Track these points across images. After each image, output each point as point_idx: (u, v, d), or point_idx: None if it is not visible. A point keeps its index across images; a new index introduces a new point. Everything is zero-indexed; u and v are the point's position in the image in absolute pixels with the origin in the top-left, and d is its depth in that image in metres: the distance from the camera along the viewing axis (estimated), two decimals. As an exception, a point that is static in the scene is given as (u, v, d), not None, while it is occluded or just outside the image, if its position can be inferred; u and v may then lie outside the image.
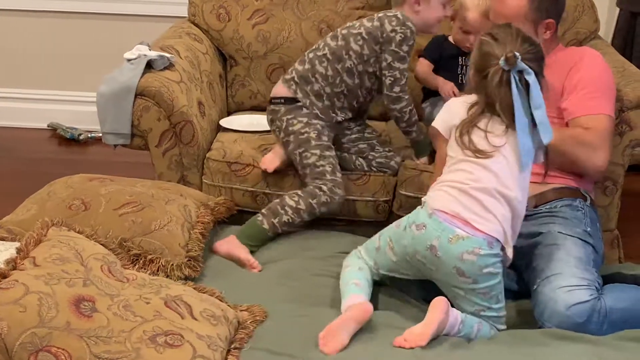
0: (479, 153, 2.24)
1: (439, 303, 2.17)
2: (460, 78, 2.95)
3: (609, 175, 2.83)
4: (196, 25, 3.40)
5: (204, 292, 2.18)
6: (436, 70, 3.01)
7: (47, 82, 4.44)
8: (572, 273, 2.29)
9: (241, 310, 2.20)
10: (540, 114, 2.22)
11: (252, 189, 2.89)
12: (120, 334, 1.86)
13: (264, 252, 2.58)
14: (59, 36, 4.35)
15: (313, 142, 2.74)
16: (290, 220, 2.68)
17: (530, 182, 2.55)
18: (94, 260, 2.04)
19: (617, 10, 4.13)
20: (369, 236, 2.87)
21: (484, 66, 2.24)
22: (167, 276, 2.28)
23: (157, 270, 2.30)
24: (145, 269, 2.29)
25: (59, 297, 1.87)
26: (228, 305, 2.17)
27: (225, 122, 3.17)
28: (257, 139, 3.04)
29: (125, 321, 1.89)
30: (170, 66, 2.93)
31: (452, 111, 2.34)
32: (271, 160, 2.82)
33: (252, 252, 2.59)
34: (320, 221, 2.93)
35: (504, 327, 2.25)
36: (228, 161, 2.90)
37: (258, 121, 3.21)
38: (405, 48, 2.75)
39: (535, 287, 2.32)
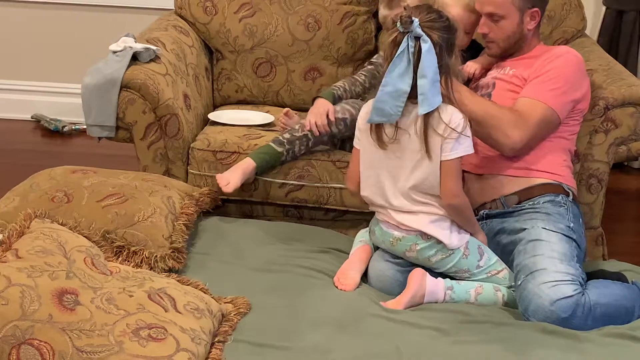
0: (380, 142, 2.31)
1: (414, 273, 2.35)
2: None
3: (594, 172, 2.85)
4: (182, 17, 3.38)
5: (187, 285, 2.17)
6: None
7: (31, 74, 4.41)
8: (556, 268, 2.30)
9: (225, 303, 2.19)
10: (423, 83, 2.22)
11: (238, 177, 2.88)
12: (103, 327, 1.85)
13: (249, 244, 2.56)
14: (44, 27, 4.33)
15: None
16: (292, 128, 2.81)
17: (512, 176, 2.59)
18: (77, 252, 2.03)
19: (604, 8, 4.14)
20: (355, 229, 2.90)
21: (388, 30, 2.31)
22: (151, 268, 2.28)
23: (141, 262, 2.29)
24: (128, 261, 2.29)
25: (42, 289, 1.85)
26: (212, 298, 2.16)
27: (214, 115, 3.16)
28: (242, 129, 3.04)
29: (109, 314, 1.88)
30: (156, 58, 2.92)
31: (361, 116, 2.41)
32: (228, 179, 2.75)
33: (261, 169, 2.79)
34: (308, 213, 2.94)
35: (507, 283, 2.39)
36: (213, 150, 2.90)
37: (247, 116, 3.20)
38: None
39: (519, 282, 2.33)
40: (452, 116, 2.26)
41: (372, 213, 2.81)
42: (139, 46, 2.87)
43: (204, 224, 2.65)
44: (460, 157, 2.29)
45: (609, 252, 3.26)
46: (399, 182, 2.33)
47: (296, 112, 3.30)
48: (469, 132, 2.29)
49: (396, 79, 2.23)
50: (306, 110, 3.29)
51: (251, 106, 3.36)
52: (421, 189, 2.31)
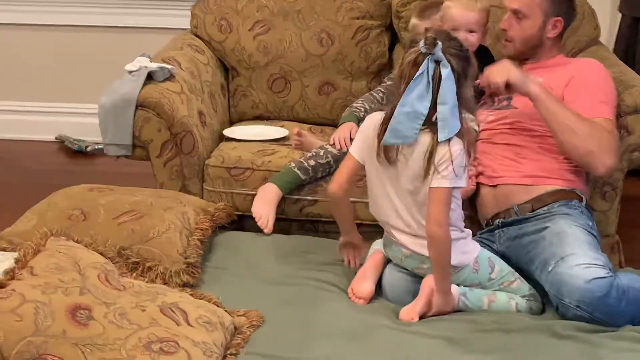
0: (385, 162, 2.29)
1: (427, 279, 2.33)
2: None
3: (608, 180, 2.84)
4: (198, 36, 3.43)
5: (201, 299, 2.20)
6: None
7: (54, 95, 4.50)
8: (586, 253, 2.32)
9: (238, 316, 2.22)
10: (443, 110, 2.20)
11: (252, 192, 2.90)
12: (115, 341, 1.88)
13: (263, 258, 2.59)
14: (65, 49, 4.42)
15: None
16: (315, 154, 2.83)
17: (525, 185, 2.60)
18: (92, 269, 2.07)
19: (619, 15, 4.14)
20: (369, 241, 2.91)
21: (407, 48, 2.27)
22: (165, 283, 2.31)
23: (156, 278, 2.32)
24: (143, 276, 2.32)
25: (55, 305, 1.89)
26: (225, 311, 2.19)
27: (228, 132, 3.20)
28: (256, 145, 3.08)
29: (121, 329, 1.92)
30: (170, 77, 2.97)
31: (367, 127, 2.37)
32: (266, 214, 2.78)
33: (285, 194, 2.83)
34: (323, 227, 2.96)
35: (524, 292, 2.40)
36: (227, 166, 2.94)
37: (262, 131, 3.24)
38: None
39: (550, 269, 2.33)
40: (453, 146, 2.24)
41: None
42: (154, 65, 2.92)
43: (219, 239, 2.69)
44: (451, 187, 2.25)
45: (626, 259, 3.26)
46: (399, 205, 2.34)
47: (311, 125, 3.37)
48: (463, 164, 2.26)
49: (415, 101, 2.21)
50: (321, 124, 3.37)
51: (267, 122, 3.39)
52: (421, 214, 2.31)
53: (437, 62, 2.19)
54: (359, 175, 2.90)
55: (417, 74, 2.19)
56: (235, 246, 2.65)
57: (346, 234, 2.51)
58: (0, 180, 4.04)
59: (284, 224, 2.93)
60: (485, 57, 2.95)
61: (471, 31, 2.86)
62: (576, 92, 2.65)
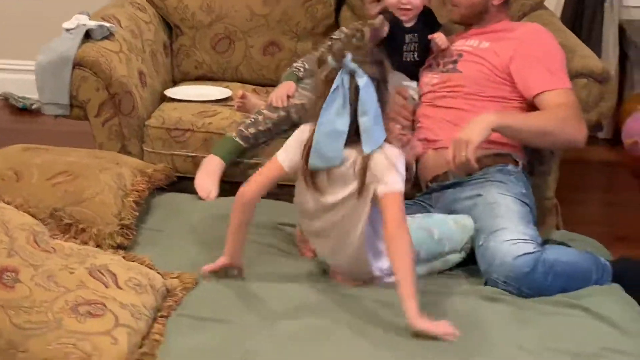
0: (314, 185, 2.16)
1: None
2: (404, 56, 2.90)
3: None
4: (141, -7, 3.37)
5: (133, 261, 2.18)
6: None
7: (-1, 51, 4.41)
8: (516, 228, 2.33)
9: (171, 278, 2.20)
10: (365, 121, 2.08)
11: (193, 154, 2.90)
12: (42, 304, 1.86)
13: (202, 220, 2.57)
14: (8, 4, 4.30)
15: None
16: (254, 120, 2.79)
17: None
18: (20, 230, 2.04)
19: (567, -19, 4.14)
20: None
21: (317, 69, 2.16)
22: (98, 245, 2.29)
23: (89, 240, 2.30)
24: (77, 238, 2.29)
25: (-19, 267, 1.87)
26: (158, 273, 2.18)
27: (170, 92, 3.17)
28: (198, 106, 3.04)
29: (48, 291, 1.89)
30: (109, 36, 2.92)
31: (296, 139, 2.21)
32: (207, 186, 2.75)
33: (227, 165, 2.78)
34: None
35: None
36: (167, 127, 2.91)
37: (205, 92, 3.21)
38: None
39: (480, 242, 2.35)
40: (389, 150, 2.13)
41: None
42: (92, 23, 2.87)
43: (158, 201, 2.66)
44: (402, 191, 2.13)
45: (571, 221, 3.29)
46: (320, 219, 2.22)
47: (255, 86, 3.34)
48: (404, 167, 2.16)
49: (333, 119, 2.08)
50: (265, 85, 3.34)
51: (211, 82, 3.35)
52: (342, 228, 2.18)
53: (352, 74, 2.07)
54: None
55: (332, 89, 2.07)
56: (174, 208, 2.63)
57: (230, 256, 2.23)
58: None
59: (228, 186, 2.89)
60: (429, 19, 2.95)
61: None
62: (528, 66, 2.65)
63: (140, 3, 3.30)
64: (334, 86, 2.07)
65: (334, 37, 3.08)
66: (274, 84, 3.29)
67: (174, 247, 2.41)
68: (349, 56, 2.06)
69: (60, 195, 2.37)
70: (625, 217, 3.46)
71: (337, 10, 3.42)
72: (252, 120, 2.83)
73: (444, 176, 2.65)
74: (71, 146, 2.79)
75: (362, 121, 2.09)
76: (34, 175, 2.42)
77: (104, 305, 1.90)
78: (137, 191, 2.51)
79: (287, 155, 2.21)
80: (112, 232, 2.34)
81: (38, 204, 2.34)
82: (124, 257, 2.19)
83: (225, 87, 3.27)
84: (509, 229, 2.31)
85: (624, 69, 4.22)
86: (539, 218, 2.83)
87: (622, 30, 4.13)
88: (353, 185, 2.13)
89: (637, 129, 3.80)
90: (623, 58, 4.17)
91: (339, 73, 2.07)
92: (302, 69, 2.93)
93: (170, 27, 3.40)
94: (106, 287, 1.97)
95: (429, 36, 2.82)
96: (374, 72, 2.10)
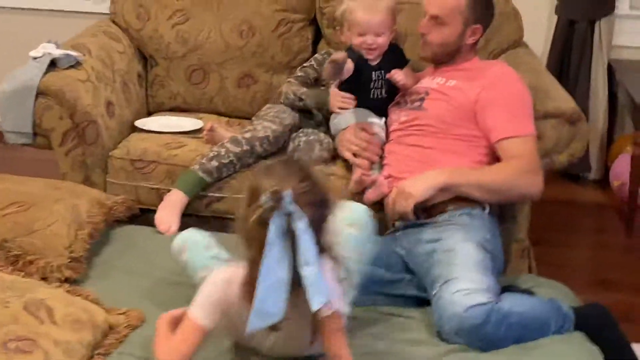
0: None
1: None
2: (372, 93, 2.87)
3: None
4: (116, 23, 3.35)
5: (77, 295, 2.13)
6: (350, 84, 2.86)
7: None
8: (470, 277, 2.26)
9: (118, 314, 2.15)
10: (310, 273, 1.78)
11: (156, 186, 2.85)
12: (-28, 339, 1.81)
13: (159, 254, 2.51)
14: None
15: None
16: (217, 154, 2.74)
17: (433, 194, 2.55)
18: (-41, 262, 1.99)
19: (556, 18, 4.10)
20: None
21: (248, 204, 1.84)
22: (45, 278, 2.23)
23: (36, 272, 2.24)
24: (24, 270, 2.24)
25: None
26: (102, 309, 2.12)
27: (140, 123, 3.12)
28: (166, 137, 3.00)
29: (-20, 326, 1.84)
30: (77, 65, 2.89)
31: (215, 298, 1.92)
32: (168, 220, 2.70)
33: (191, 200, 2.74)
34: (231, 223, 2.89)
35: None
36: (131, 158, 2.87)
37: (176, 122, 3.17)
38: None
39: (434, 292, 2.29)
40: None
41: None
42: (58, 52, 2.84)
43: (117, 233, 2.61)
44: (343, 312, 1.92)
45: (553, 263, 3.24)
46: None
47: (229, 118, 3.30)
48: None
49: (274, 267, 1.78)
50: (240, 117, 3.30)
51: (185, 113, 3.31)
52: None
53: (289, 214, 1.77)
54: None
55: (269, 235, 1.76)
56: (131, 241, 2.58)
57: None
58: None
59: (191, 220, 2.84)
60: (396, 55, 2.92)
61: (378, 33, 2.81)
62: (490, 110, 2.60)
63: (115, 33, 3.28)
64: (270, 231, 1.76)
65: (305, 65, 3.06)
66: (248, 116, 3.27)
67: (125, 282, 2.36)
68: (287, 196, 1.76)
69: (10, 226, 2.32)
70: (609, 261, 3.40)
71: (315, 43, 3.38)
72: (215, 153, 2.78)
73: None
74: (38, 174, 2.75)
75: (306, 272, 1.78)
76: (-14, 205, 2.37)
77: (35, 341, 1.84)
78: (92, 223, 2.46)
79: (206, 315, 1.90)
80: (60, 264, 2.28)
81: (-13, 234, 2.29)
82: (68, 291, 2.13)
83: (200, 118, 3.23)
84: (462, 279, 2.23)
85: (615, 110, 4.17)
86: (509, 262, 2.79)
87: (611, 70, 4.08)
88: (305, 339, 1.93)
89: (625, 171, 3.74)
90: (612, 98, 4.11)
91: (275, 215, 1.77)
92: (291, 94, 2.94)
93: (145, 58, 3.37)
94: (41, 323, 1.91)
95: (387, 75, 2.78)
96: (315, 213, 1.81)
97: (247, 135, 2.80)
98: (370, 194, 2.72)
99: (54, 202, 2.44)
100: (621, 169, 3.76)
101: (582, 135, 2.75)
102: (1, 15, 4.26)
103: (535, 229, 3.56)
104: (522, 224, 2.84)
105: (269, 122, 2.82)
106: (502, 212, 2.75)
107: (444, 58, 2.77)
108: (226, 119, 3.30)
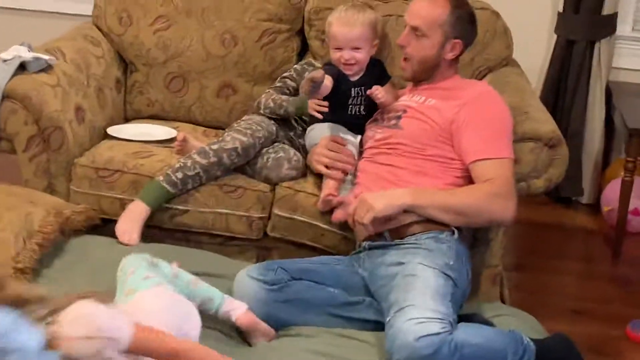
0: None
1: None
2: (350, 109, 2.79)
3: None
4: (98, 27, 3.29)
5: (14, 309, 2.05)
6: (328, 98, 2.72)
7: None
8: (426, 305, 2.17)
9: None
10: None
11: (120, 196, 2.78)
12: None
13: (110, 267, 2.41)
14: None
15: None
16: (183, 165, 2.68)
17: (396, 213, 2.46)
18: None
19: (555, 36, 4.00)
20: (244, 255, 2.78)
21: None
22: (-13, 289, 2.16)
23: (-22, 282, 2.17)
24: (-34, 280, 2.17)
25: None
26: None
27: (112, 130, 3.06)
28: (136, 146, 2.92)
29: None
30: (48, 68, 2.82)
31: None
32: (129, 235, 2.62)
33: (155, 212, 2.68)
34: (195, 237, 2.82)
35: None
36: (96, 167, 2.80)
37: (149, 131, 3.10)
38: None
39: (388, 319, 2.20)
40: None
41: (258, 240, 2.73)
42: (28, 55, 2.78)
43: (72, 243, 2.54)
44: None
45: (533, 290, 3.14)
46: None
47: (207, 128, 3.23)
48: None
49: None
50: (218, 127, 3.22)
51: (162, 122, 3.25)
52: None
53: None
54: (234, 186, 2.75)
55: None
56: (86, 252, 2.50)
57: None
58: None
59: (155, 232, 2.78)
60: (377, 71, 2.84)
61: (356, 48, 2.73)
62: (465, 131, 2.52)
63: (95, 37, 3.22)
64: None
65: (284, 75, 3.01)
66: (226, 127, 3.18)
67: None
68: None
69: (-44, 233, 2.26)
70: (590, 290, 3.28)
71: (301, 55, 3.30)
72: (181, 164, 2.71)
73: (377, 236, 2.50)
74: (2, 178, 2.69)
75: None
76: None
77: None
78: (43, 233, 2.39)
79: None
80: (3, 275, 2.21)
81: None
82: (3, 304, 2.05)
83: (176, 127, 3.16)
84: (416, 306, 2.14)
85: (612, 133, 4.05)
86: (479, 288, 2.69)
87: (609, 93, 3.97)
88: None
89: (616, 197, 3.62)
90: (609, 121, 4.00)
91: None
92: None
93: (126, 63, 3.31)
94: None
95: (368, 92, 2.70)
96: None
97: (215, 146, 2.73)
98: (338, 214, 2.66)
99: (6, 209, 2.38)
100: (613, 194, 3.64)
101: (561, 160, 2.64)
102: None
103: (520, 252, 3.50)
104: (495, 249, 2.73)
105: (239, 133, 2.75)
106: (475, 236, 2.67)
107: (423, 75, 2.69)
108: (203, 129, 3.22)
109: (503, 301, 2.78)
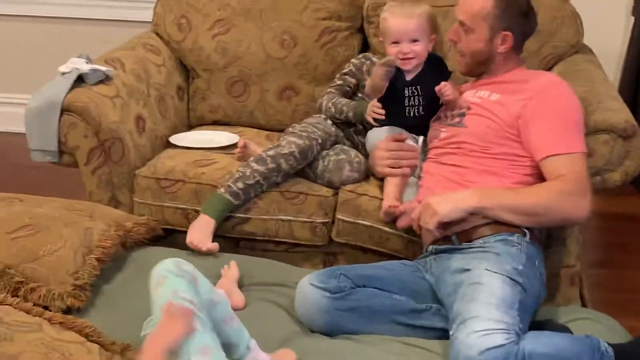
0: None
1: None
2: (407, 111, 2.69)
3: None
4: (158, 35, 3.27)
5: (72, 327, 2.04)
6: (384, 102, 2.70)
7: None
8: (490, 316, 2.07)
9: (119, 350, 2.04)
10: None
11: (183, 206, 2.75)
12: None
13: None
14: (36, 39, 4.29)
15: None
16: (242, 174, 2.62)
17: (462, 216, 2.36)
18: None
19: (632, 19, 3.81)
20: (309, 261, 2.72)
21: None
22: (47, 307, 2.15)
23: (38, 300, 2.17)
24: (26, 298, 2.17)
25: None
26: (100, 344, 2.02)
27: (174, 138, 3.03)
28: (197, 154, 2.88)
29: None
30: (106, 80, 2.81)
31: None
32: (202, 238, 2.58)
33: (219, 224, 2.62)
34: (260, 245, 2.77)
35: None
36: (157, 177, 2.76)
37: (212, 137, 3.06)
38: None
39: (452, 332, 2.11)
40: None
41: (323, 245, 2.66)
42: (86, 67, 2.77)
43: (134, 256, 2.52)
44: None
45: (616, 288, 2.99)
46: None
47: (270, 132, 3.17)
48: None
49: None
50: (281, 131, 3.15)
51: (225, 127, 3.20)
52: None
53: None
54: (295, 192, 2.70)
55: None
56: (148, 264, 2.43)
57: None
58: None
59: (219, 241, 2.71)
60: (436, 67, 2.73)
61: (414, 40, 2.64)
62: (533, 126, 2.41)
63: (155, 45, 3.20)
64: None
65: (343, 71, 2.94)
66: (289, 129, 3.13)
67: (132, 311, 2.24)
68: None
69: (16, 251, 2.25)
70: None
71: (362, 53, 3.20)
72: (240, 174, 2.66)
73: (444, 240, 2.41)
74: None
75: None
76: (-5, 228, 2.32)
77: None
78: (102, 247, 2.37)
79: None
80: (62, 292, 2.20)
81: (-8, 259, 2.23)
82: (61, 323, 2.04)
83: (239, 132, 3.12)
84: (480, 318, 2.04)
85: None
86: (558, 290, 2.57)
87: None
88: None
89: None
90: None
91: None
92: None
93: (187, 70, 3.28)
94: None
95: (436, 88, 2.59)
96: None
97: (271, 152, 2.67)
98: (402, 221, 2.57)
99: (65, 225, 2.36)
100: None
101: (637, 151, 2.49)
102: (54, 25, 4.26)
103: (602, 247, 3.33)
104: (572, 248, 2.61)
105: (295, 136, 2.69)
106: (549, 234, 2.55)
107: (479, 69, 2.59)
108: (266, 133, 3.17)
109: (583, 302, 2.65)
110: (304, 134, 2.70)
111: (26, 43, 4.33)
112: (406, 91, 2.66)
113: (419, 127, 2.68)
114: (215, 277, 2.42)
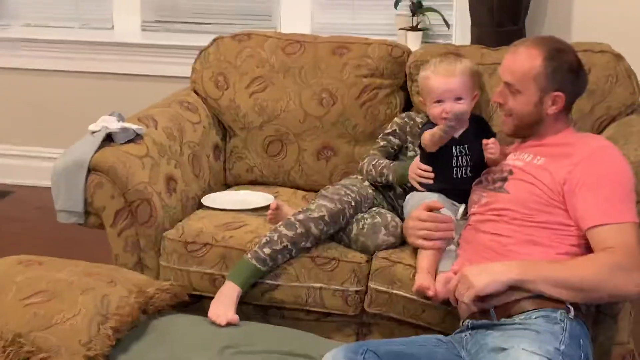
0: None
1: None
2: (455, 172, 2.56)
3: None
4: (196, 92, 3.20)
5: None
6: (429, 163, 2.58)
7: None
8: None
9: None
10: None
11: (209, 271, 2.63)
12: None
13: (190, 350, 2.28)
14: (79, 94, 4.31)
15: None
16: (269, 239, 2.51)
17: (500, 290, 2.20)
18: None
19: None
20: (341, 332, 2.59)
21: None
22: (56, 379, 2.06)
23: (48, 372, 2.07)
24: (35, 370, 2.07)
25: None
26: None
27: (207, 200, 2.93)
28: (228, 215, 2.77)
29: None
30: (136, 138, 2.74)
31: None
32: (223, 312, 2.44)
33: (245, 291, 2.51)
34: (290, 313, 2.64)
35: None
36: (184, 240, 2.65)
37: (246, 198, 2.95)
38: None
39: None
40: None
41: (356, 316, 2.53)
42: (115, 126, 2.70)
43: (155, 323, 2.39)
44: None
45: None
46: None
47: (307, 192, 3.06)
48: None
49: None
50: (318, 191, 3.03)
51: (262, 187, 3.10)
52: None
53: None
54: (327, 258, 2.56)
55: None
56: (169, 333, 2.36)
57: None
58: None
59: (248, 308, 2.61)
60: (481, 127, 2.60)
61: (457, 99, 2.51)
62: (581, 193, 2.26)
63: (192, 102, 3.12)
64: None
65: (387, 131, 2.83)
66: (327, 190, 3.01)
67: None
68: None
69: (28, 319, 2.17)
70: None
71: (406, 111, 3.08)
72: (267, 239, 2.53)
73: (482, 314, 2.24)
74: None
75: None
76: (10, 293, 2.25)
77: None
78: (118, 315, 2.26)
79: None
80: (73, 364, 2.10)
81: (3, 327, 2.14)
82: (66, 399, 1.93)
83: (275, 192, 3.01)
84: None
85: None
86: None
87: None
88: None
89: None
90: None
91: None
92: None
93: (225, 129, 3.19)
94: None
95: (483, 141, 2.46)
96: None
97: (300, 217, 2.54)
98: (439, 294, 2.40)
99: (82, 291, 2.27)
100: None
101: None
102: (96, 81, 4.28)
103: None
104: (624, 324, 2.41)
105: (325, 200, 2.57)
106: (598, 309, 2.36)
107: (526, 131, 2.45)
108: (303, 193, 3.05)
109: (636, 382, 2.44)
110: (335, 196, 2.58)
111: (74, 99, 4.33)
112: (454, 150, 2.53)
113: (464, 192, 2.53)
114: (236, 346, 2.30)
